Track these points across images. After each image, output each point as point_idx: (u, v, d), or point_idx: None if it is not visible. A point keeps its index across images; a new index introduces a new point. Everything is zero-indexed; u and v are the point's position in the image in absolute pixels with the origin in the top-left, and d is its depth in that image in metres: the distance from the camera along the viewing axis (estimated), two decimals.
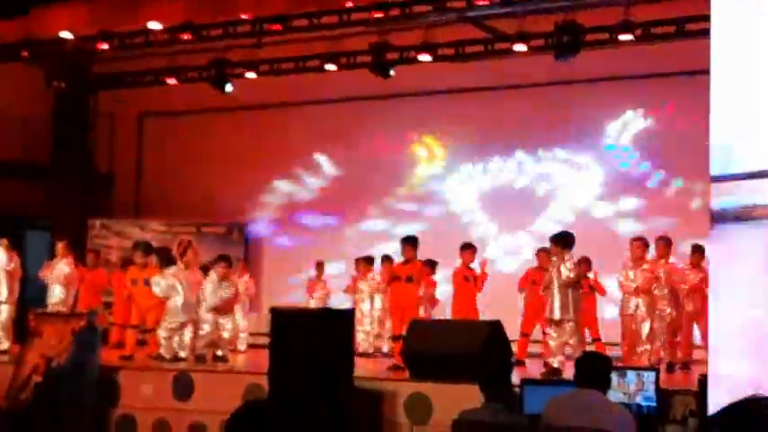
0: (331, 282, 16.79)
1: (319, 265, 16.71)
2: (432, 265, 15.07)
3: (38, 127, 19.61)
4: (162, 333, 13.31)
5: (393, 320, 13.27)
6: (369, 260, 15.78)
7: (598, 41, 14.86)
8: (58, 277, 14.73)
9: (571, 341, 11.67)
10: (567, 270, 11.62)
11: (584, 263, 13.20)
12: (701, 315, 12.84)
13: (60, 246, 15.07)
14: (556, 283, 11.67)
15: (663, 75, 16.17)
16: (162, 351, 13.22)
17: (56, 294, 14.70)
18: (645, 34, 14.54)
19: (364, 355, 14.92)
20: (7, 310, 14.57)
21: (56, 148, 20.06)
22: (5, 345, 14.27)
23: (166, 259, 14.05)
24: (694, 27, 13.59)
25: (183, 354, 13.24)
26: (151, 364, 12.92)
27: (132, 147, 20.84)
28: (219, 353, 13.34)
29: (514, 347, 12.45)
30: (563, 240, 11.89)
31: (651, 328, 12.35)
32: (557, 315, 11.67)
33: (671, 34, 14.42)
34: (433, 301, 15.10)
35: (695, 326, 13.21)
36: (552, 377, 11.15)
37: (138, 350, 13.97)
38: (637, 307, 12.35)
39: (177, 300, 13.28)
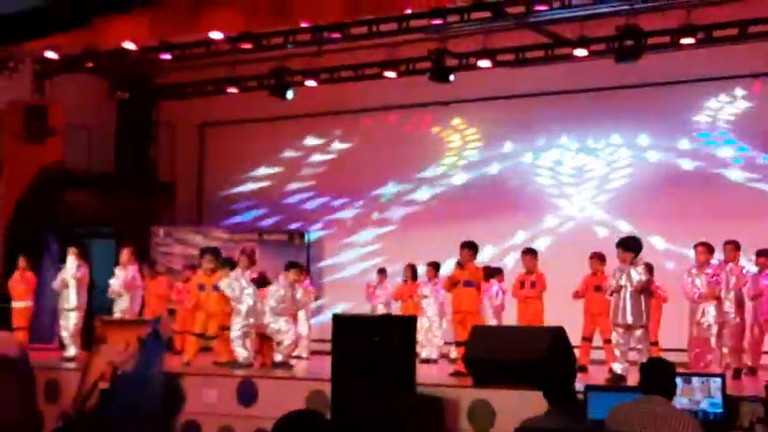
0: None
1: (381, 272, 16.69)
2: (497, 272, 15.03)
3: (101, 137, 19.86)
4: (235, 337, 13.32)
5: (455, 326, 13.05)
6: (434, 266, 15.62)
7: (661, 45, 14.77)
8: (123, 284, 14.92)
9: (639, 347, 11.50)
10: (638, 274, 11.45)
11: (648, 267, 13.03)
12: None
13: (125, 253, 15.23)
14: (628, 289, 11.48)
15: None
16: (237, 355, 13.23)
17: (121, 301, 14.92)
18: (707, 37, 14.42)
19: (429, 361, 14.89)
20: (76, 317, 14.71)
21: (119, 158, 20.35)
22: (74, 352, 14.43)
23: (229, 265, 14.14)
24: (757, 29, 13.46)
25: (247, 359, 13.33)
26: (215, 370, 12.98)
27: (193, 155, 21.02)
28: (283, 359, 13.37)
29: (577, 353, 12.32)
30: (629, 245, 11.71)
31: (719, 335, 12.21)
32: (629, 320, 11.47)
33: (733, 37, 14.29)
34: (499, 308, 15.02)
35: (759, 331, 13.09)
36: (617, 383, 11.06)
37: (202, 357, 13.96)
38: (704, 313, 12.23)
39: (245, 304, 13.38)
